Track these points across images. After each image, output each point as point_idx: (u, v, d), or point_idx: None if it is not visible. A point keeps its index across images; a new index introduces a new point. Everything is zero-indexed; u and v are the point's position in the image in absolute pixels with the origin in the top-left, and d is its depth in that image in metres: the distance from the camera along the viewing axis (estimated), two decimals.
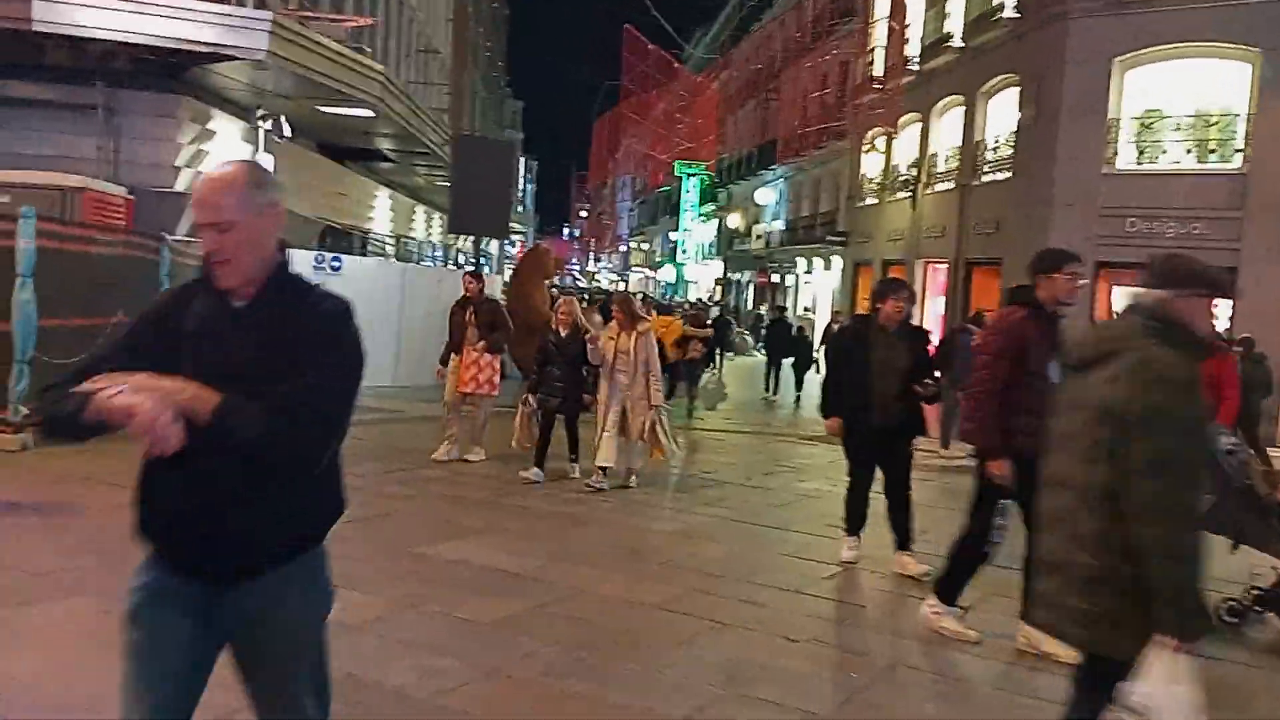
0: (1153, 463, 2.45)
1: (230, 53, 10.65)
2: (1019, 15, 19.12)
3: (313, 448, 2.09)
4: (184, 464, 1.96)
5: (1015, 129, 19.34)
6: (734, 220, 41.72)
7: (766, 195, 39.12)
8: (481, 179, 14.97)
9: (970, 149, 21.26)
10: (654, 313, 16.87)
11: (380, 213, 25.21)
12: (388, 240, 26.12)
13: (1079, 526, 2.62)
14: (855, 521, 6.29)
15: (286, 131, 13.60)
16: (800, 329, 20.66)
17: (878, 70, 25.95)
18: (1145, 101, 17.69)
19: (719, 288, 45.47)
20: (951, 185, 22.04)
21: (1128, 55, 17.44)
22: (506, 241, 52.11)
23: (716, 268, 46.91)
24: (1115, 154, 17.64)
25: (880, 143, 26.45)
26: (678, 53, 37.88)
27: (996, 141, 20.40)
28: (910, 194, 24.09)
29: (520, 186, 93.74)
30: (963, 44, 21.38)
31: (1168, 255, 3.03)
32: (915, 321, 6.49)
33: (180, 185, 12.80)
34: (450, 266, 28.90)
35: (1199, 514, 2.61)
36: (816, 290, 33.65)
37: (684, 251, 53.75)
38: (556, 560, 5.92)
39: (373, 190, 24.23)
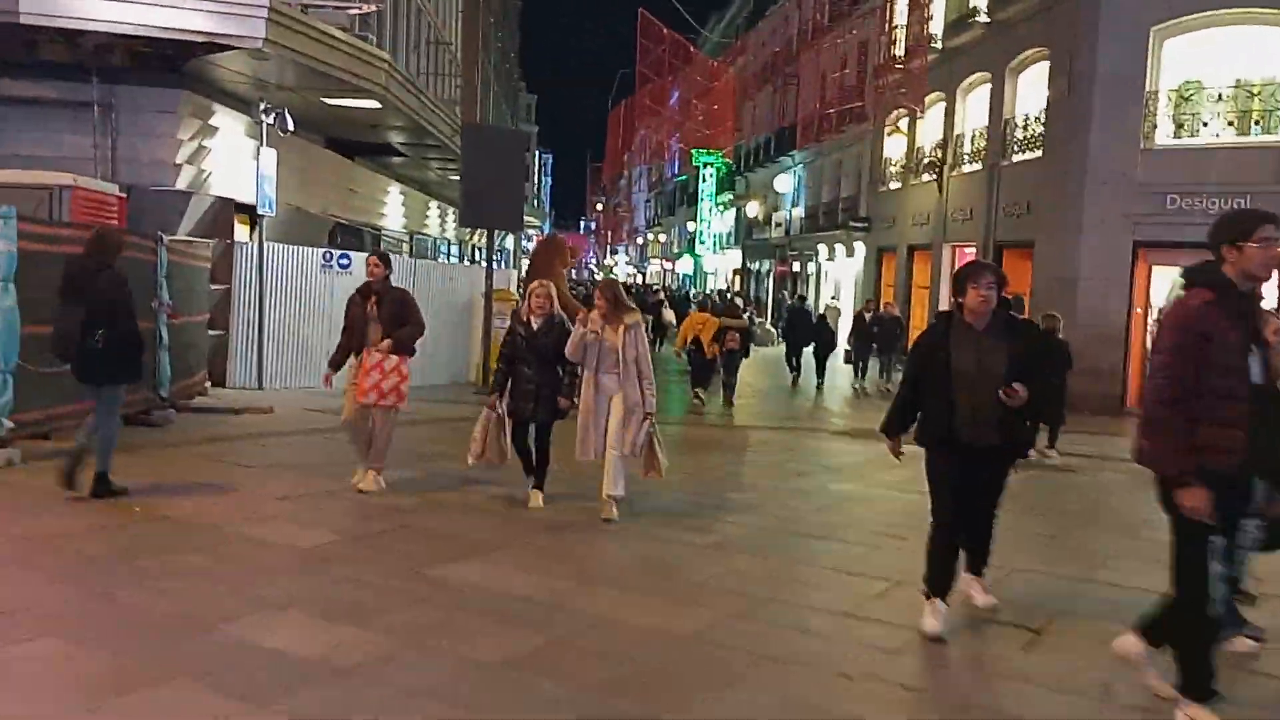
0: None
1: (227, 42, 10.15)
2: None
3: None
4: None
5: (1046, 105, 18.61)
6: (752, 209, 41.03)
7: (785, 182, 38.39)
8: (492, 170, 14.44)
9: (999, 128, 20.51)
10: (691, 308, 16.61)
11: (393, 209, 24.75)
12: (401, 237, 25.67)
13: None
14: (940, 580, 4.87)
15: (290, 125, 13.07)
16: (822, 316, 21.04)
17: (899, 50, 25.20)
18: (1183, 72, 16.92)
19: (737, 278, 44.80)
20: (979, 166, 21.31)
21: (1166, 24, 16.67)
22: (524, 236, 51.76)
23: (735, 258, 46.24)
24: (1153, 128, 16.88)
25: (903, 124, 25.72)
26: (693, 38, 37.15)
27: (1026, 119, 19.66)
28: (936, 176, 23.37)
29: (535, 180, 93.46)
30: (989, 19, 20.63)
31: None
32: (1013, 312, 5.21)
33: (182, 183, 12.33)
34: (466, 263, 28.44)
35: None
36: (839, 278, 32.95)
37: (702, 242, 53.09)
38: (577, 582, 5.37)
39: (384, 186, 23.77)
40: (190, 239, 12.09)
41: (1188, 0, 16.42)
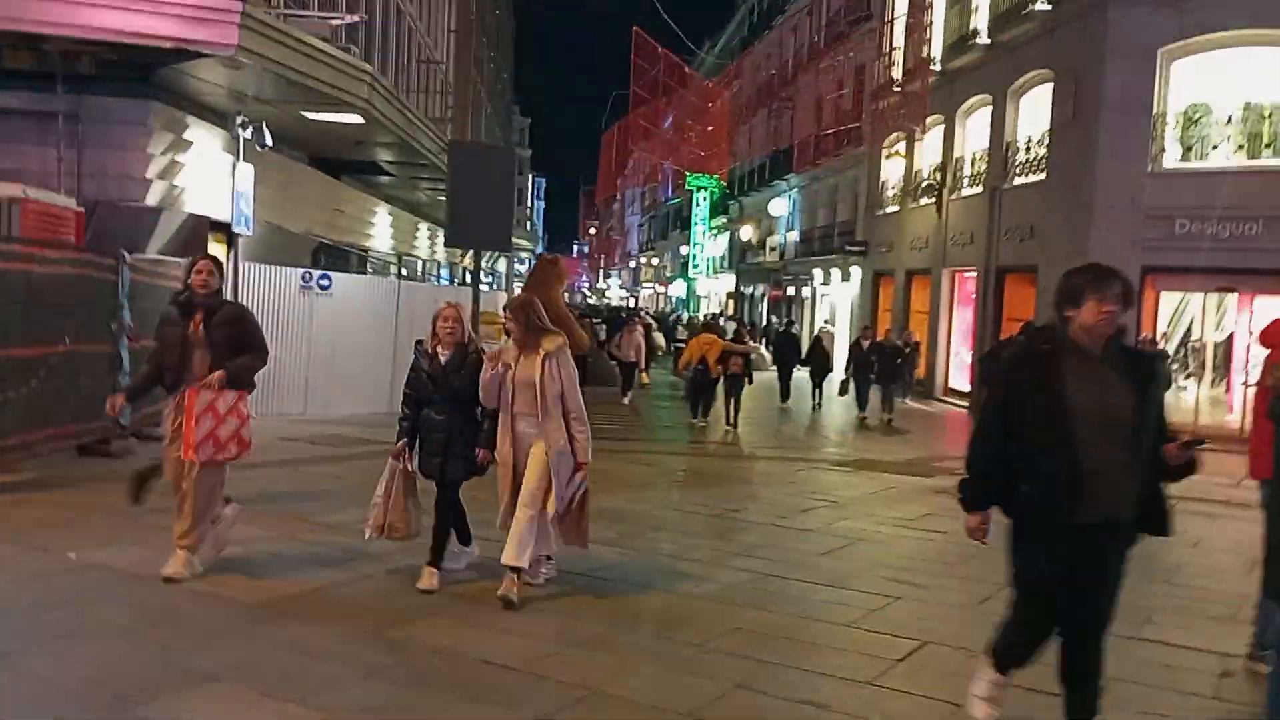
0: None
1: (198, 49, 9.59)
2: (1051, 8, 17.98)
3: None
4: None
5: (1050, 128, 18.18)
6: (746, 232, 40.60)
7: (780, 206, 38.01)
8: (480, 188, 13.82)
9: (1000, 150, 20.10)
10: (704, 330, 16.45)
11: (380, 230, 24.17)
12: (389, 258, 25.09)
13: None
14: (1009, 655, 3.78)
15: (268, 140, 12.52)
16: (818, 338, 21.05)
17: (897, 73, 24.85)
18: (1192, 95, 16.51)
19: (731, 302, 44.32)
20: (980, 189, 20.87)
21: (1174, 45, 16.28)
22: (515, 259, 51.23)
23: (729, 281, 45.77)
24: (1161, 151, 16.46)
25: (901, 147, 25.33)
26: (689, 59, 36.82)
27: (1029, 142, 19.23)
28: (935, 200, 22.93)
29: (529, 204, 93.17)
30: (989, 40, 20.25)
31: None
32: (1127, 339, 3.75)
33: (152, 199, 11.73)
34: (455, 285, 27.86)
35: None
36: (835, 302, 32.48)
37: (695, 266, 52.63)
38: (564, 644, 4.73)
39: (371, 206, 23.19)
40: (160, 258, 11.46)
41: (1197, 21, 16.04)
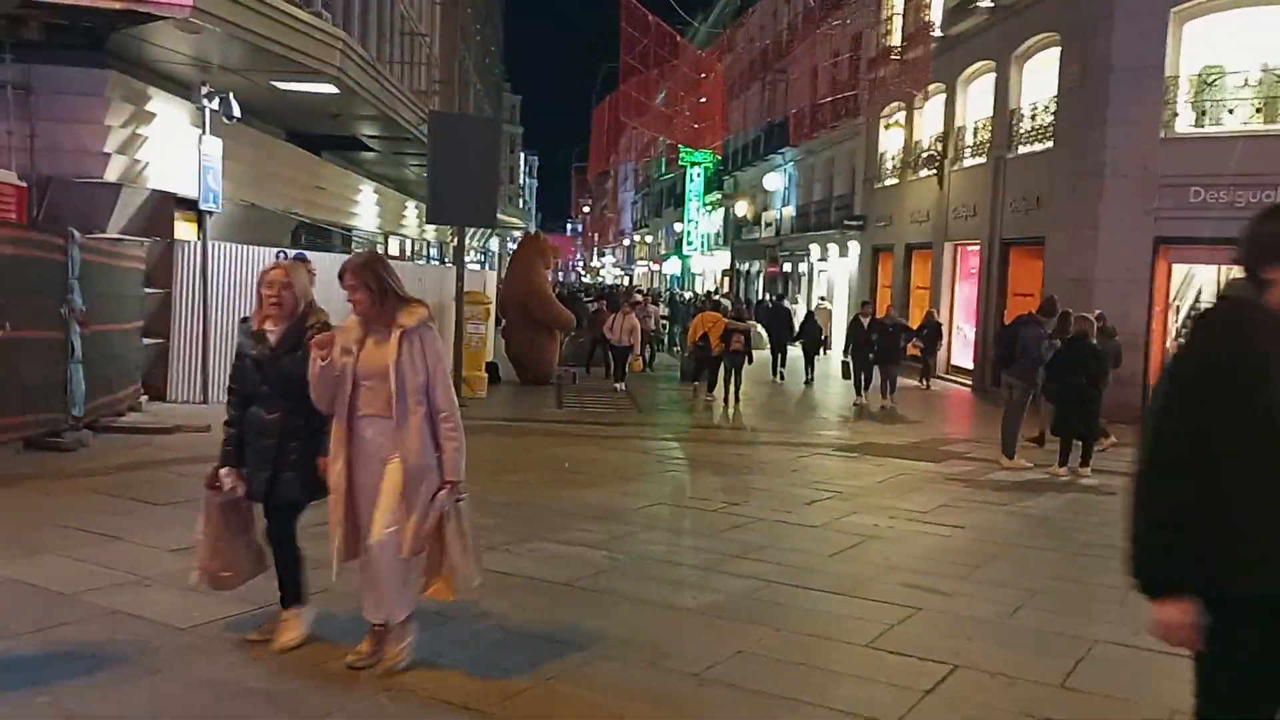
0: None
1: (149, 9, 8.86)
2: None
3: None
4: None
5: (1057, 93, 17.46)
6: (741, 208, 39.85)
7: (775, 180, 37.25)
8: (462, 161, 13.16)
9: (1004, 118, 19.36)
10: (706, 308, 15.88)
11: (365, 208, 23.41)
12: (375, 237, 24.36)
13: None
14: None
15: (236, 111, 11.77)
16: (810, 313, 21.23)
17: (895, 40, 24.07)
18: (1205, 57, 15.79)
19: (726, 279, 43.64)
20: (984, 159, 20.16)
21: (1186, 5, 15.55)
22: (509, 238, 50.38)
23: (724, 258, 45.07)
24: (1174, 116, 15.75)
25: (900, 118, 24.57)
26: (681, 28, 35.89)
27: (1034, 109, 18.51)
28: (936, 171, 22.21)
29: (521, 182, 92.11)
30: (992, 3, 19.46)
31: None
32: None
33: (112, 174, 11.01)
34: (444, 264, 27.13)
35: None
36: (833, 278, 31.81)
37: (689, 243, 51.87)
38: (539, 676, 4.11)
39: (355, 184, 22.43)
40: (118, 237, 10.80)
41: None
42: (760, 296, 37.28)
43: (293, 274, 4.18)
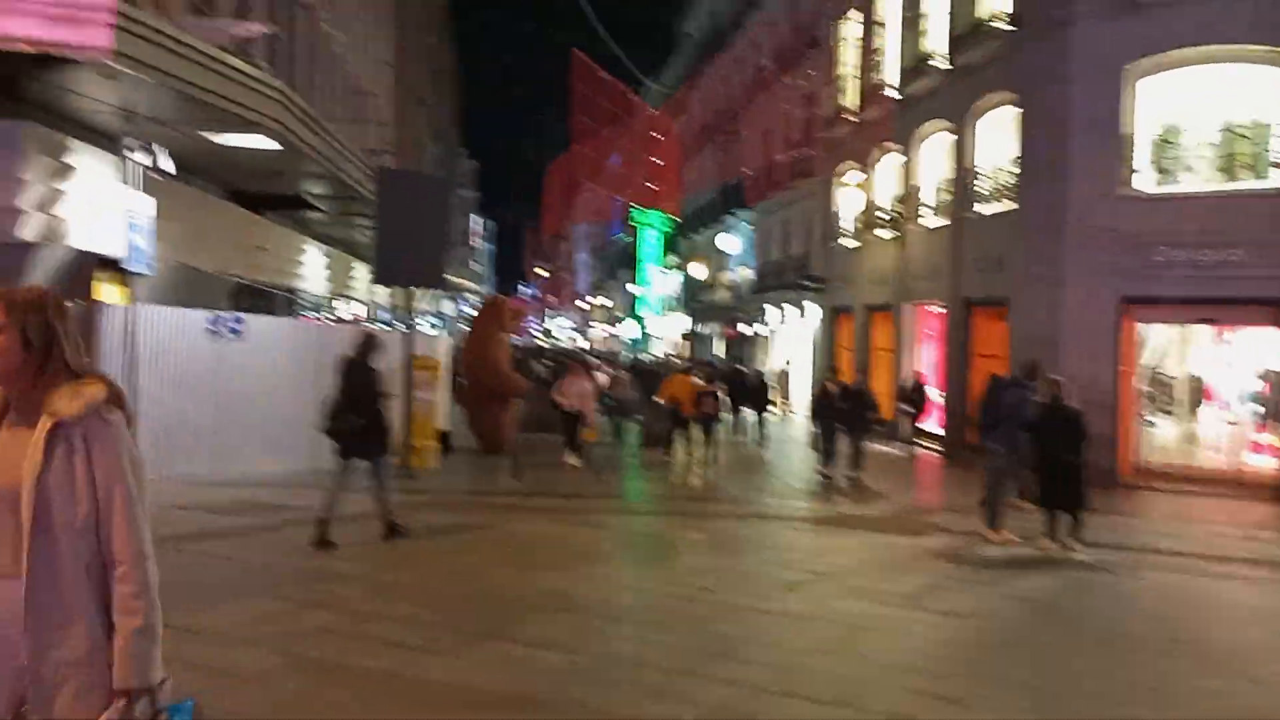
0: None
1: (62, 53, 8.13)
2: (1013, 28, 17.22)
3: None
4: None
5: (1019, 153, 17.34)
6: (697, 270, 39.62)
7: (730, 242, 37.12)
8: (411, 219, 12.56)
9: (963, 178, 19.23)
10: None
11: (312, 270, 22.58)
12: (320, 301, 23.52)
13: None
14: None
15: (168, 165, 11.04)
16: (758, 373, 22.70)
17: (849, 100, 24.09)
18: (1166, 114, 15.76)
19: (686, 343, 43.23)
20: (944, 219, 19.98)
21: (1138, 62, 15.53)
22: (464, 301, 49.60)
23: (682, 321, 44.71)
24: (1133, 174, 15.64)
25: (856, 178, 24.49)
26: (635, 87, 35.92)
27: (994, 169, 18.39)
28: (895, 231, 22.02)
29: (477, 245, 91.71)
30: (948, 64, 19.48)
31: None
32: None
33: (28, 233, 10.16)
34: (402, 328, 26.27)
35: None
36: (791, 339, 31.48)
37: (646, 305, 51.54)
38: None
39: (301, 244, 21.62)
40: None
41: (1160, 37, 15.29)
42: (721, 358, 36.89)
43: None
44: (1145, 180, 15.71)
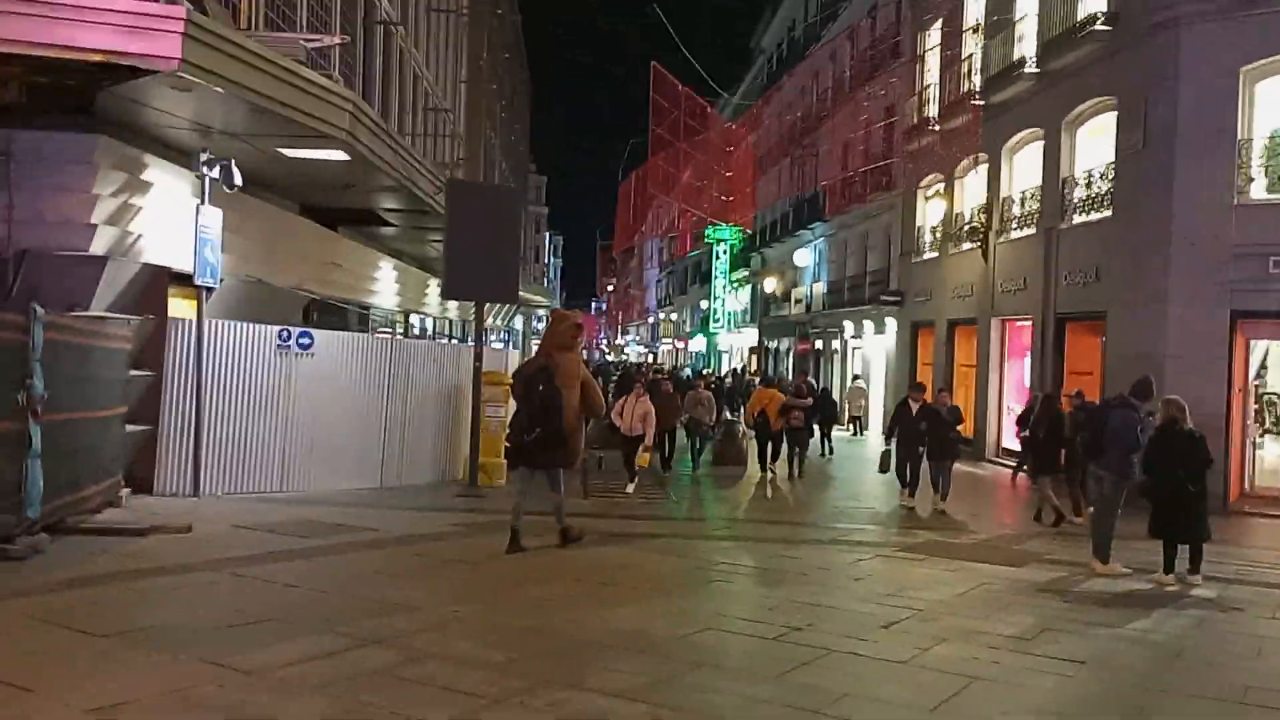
0: None
1: (132, 63, 7.97)
2: (1111, 28, 16.34)
3: None
4: None
5: (1116, 159, 16.41)
6: (770, 284, 38.91)
7: (805, 256, 36.38)
8: (483, 232, 12.27)
9: (1055, 187, 18.33)
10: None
11: (385, 285, 22.55)
12: (395, 316, 23.50)
13: None
14: None
15: (238, 179, 10.91)
16: (824, 388, 23.00)
17: (932, 110, 23.27)
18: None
19: (754, 357, 42.51)
20: (1033, 230, 19.07)
21: (1257, 64, 14.55)
22: (534, 316, 49.56)
23: (751, 335, 44.00)
24: (1249, 181, 14.64)
25: (939, 189, 23.65)
26: (712, 100, 35.43)
27: (1089, 176, 17.46)
28: (980, 243, 21.13)
29: (546, 260, 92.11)
30: (1039, 69, 18.61)
31: None
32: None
33: (99, 247, 10.09)
34: (462, 343, 26.19)
35: None
36: (868, 355, 30.60)
37: (716, 320, 50.93)
38: None
39: (374, 260, 21.59)
40: (99, 315, 9.83)
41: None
42: (791, 374, 36.11)
43: None
44: (1259, 187, 14.70)
